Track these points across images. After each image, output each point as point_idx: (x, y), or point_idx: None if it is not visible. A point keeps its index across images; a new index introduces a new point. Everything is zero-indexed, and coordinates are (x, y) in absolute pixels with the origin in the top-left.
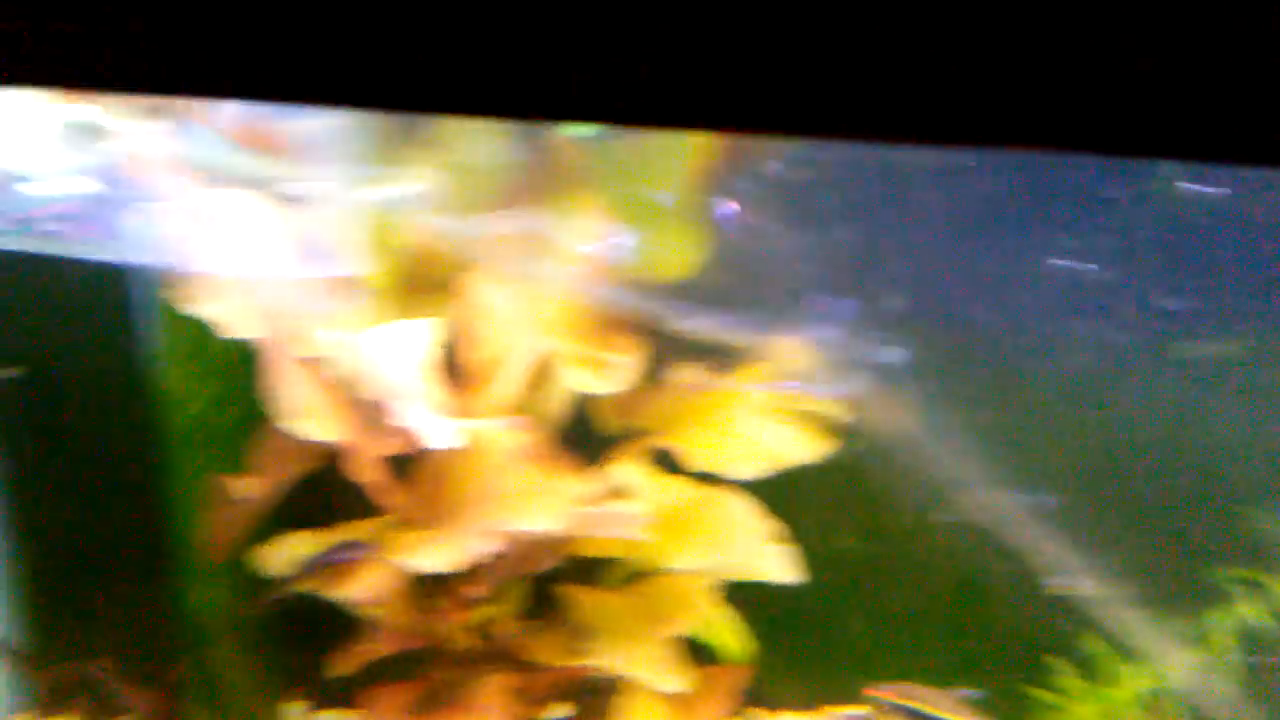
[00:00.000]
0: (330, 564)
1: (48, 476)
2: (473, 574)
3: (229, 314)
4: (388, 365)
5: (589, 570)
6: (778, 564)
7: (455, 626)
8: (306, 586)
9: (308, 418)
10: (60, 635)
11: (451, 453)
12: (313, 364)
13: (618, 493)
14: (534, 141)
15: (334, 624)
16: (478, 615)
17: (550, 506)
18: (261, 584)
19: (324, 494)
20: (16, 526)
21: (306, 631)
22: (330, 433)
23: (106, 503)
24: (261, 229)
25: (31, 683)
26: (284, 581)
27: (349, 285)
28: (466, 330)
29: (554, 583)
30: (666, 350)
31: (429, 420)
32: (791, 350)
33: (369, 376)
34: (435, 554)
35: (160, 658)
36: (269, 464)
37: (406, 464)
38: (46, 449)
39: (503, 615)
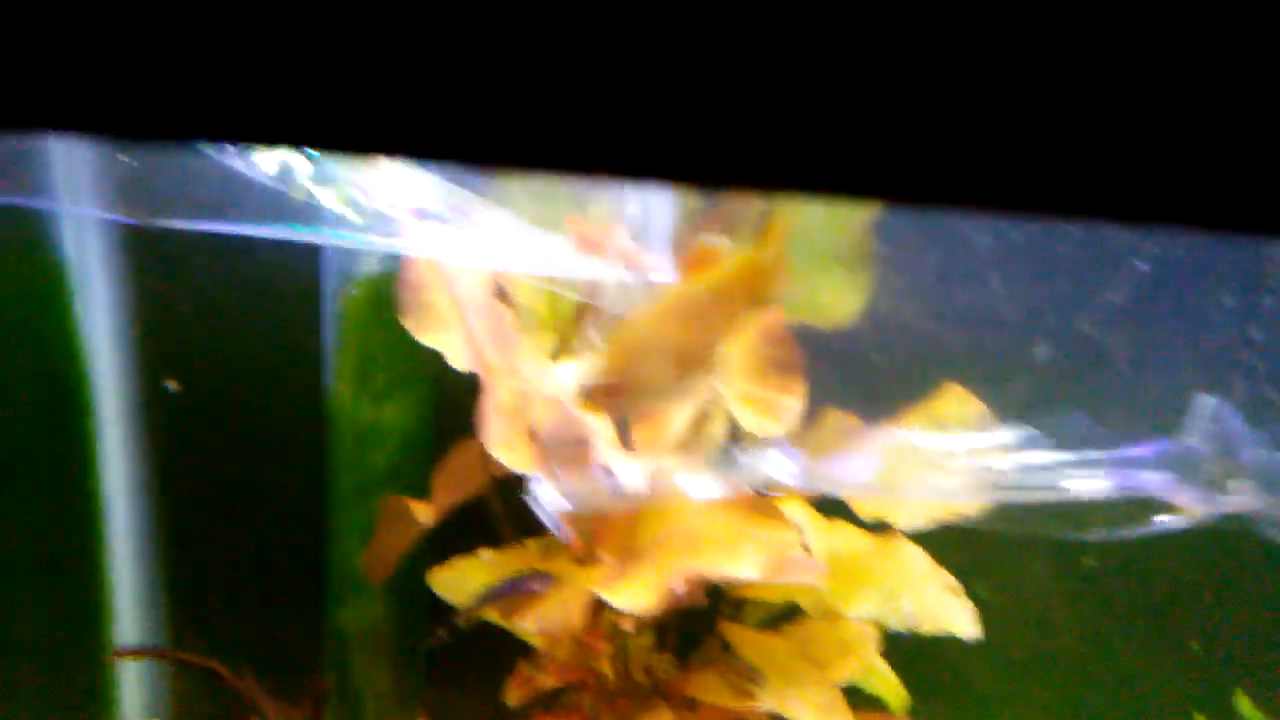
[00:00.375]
0: (511, 594)
1: (202, 480)
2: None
3: (450, 342)
4: (574, 400)
5: (740, 607)
6: (961, 617)
7: (619, 661)
8: (481, 615)
9: (505, 446)
10: (202, 644)
11: (637, 490)
12: (515, 393)
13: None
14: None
15: (486, 650)
16: (636, 650)
17: (753, 552)
18: (419, 606)
19: (489, 520)
20: (165, 531)
21: (457, 656)
22: (523, 463)
23: (262, 512)
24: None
25: (168, 689)
26: (463, 610)
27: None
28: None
29: (707, 620)
30: (826, 394)
31: (617, 456)
32: (957, 398)
33: (558, 410)
34: (636, 594)
35: (305, 673)
36: (446, 486)
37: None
38: (204, 452)
39: (660, 652)
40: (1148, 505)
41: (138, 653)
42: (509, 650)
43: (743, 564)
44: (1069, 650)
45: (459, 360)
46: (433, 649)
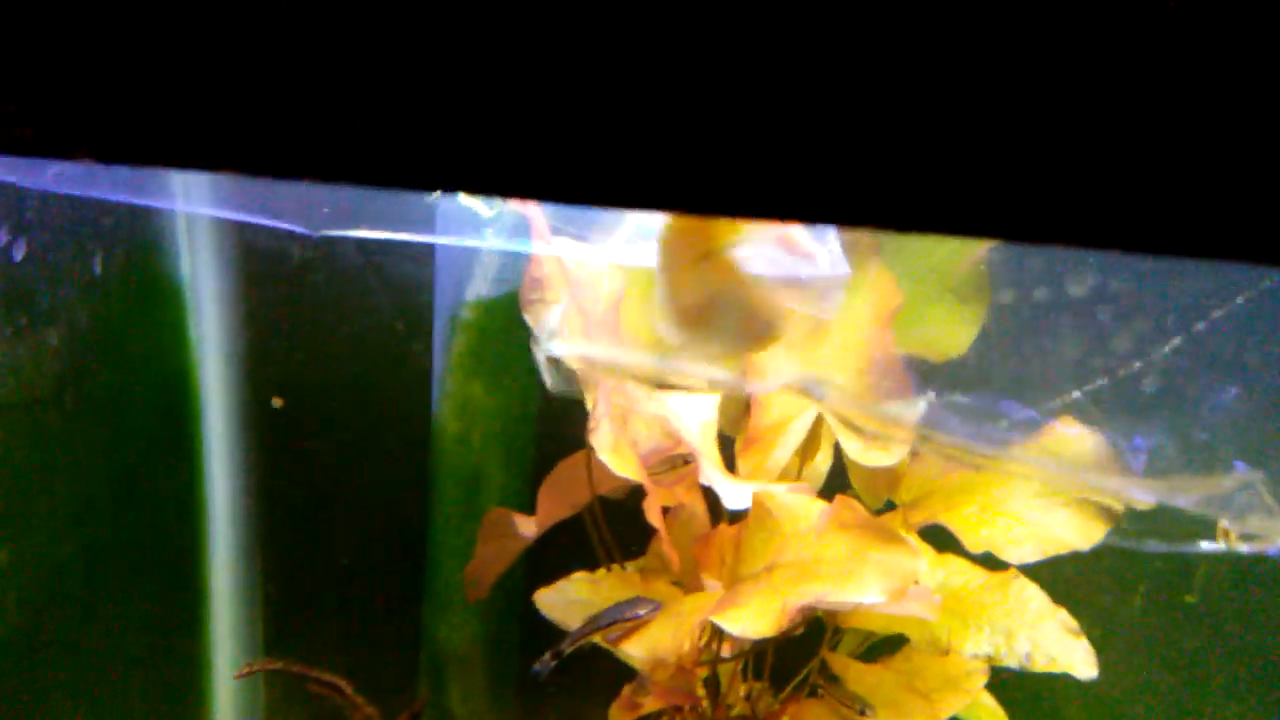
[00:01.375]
0: (619, 621)
1: (303, 494)
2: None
3: (575, 351)
4: (685, 418)
5: (836, 635)
6: (1079, 657)
7: (711, 687)
8: (590, 640)
9: (615, 453)
10: (296, 657)
11: (747, 514)
12: (624, 406)
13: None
14: None
15: (573, 672)
16: (729, 677)
17: (877, 579)
18: (514, 625)
19: (584, 540)
20: (265, 543)
21: (557, 672)
22: (631, 472)
23: (363, 527)
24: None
25: (259, 699)
26: (570, 636)
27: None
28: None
29: (801, 648)
30: (934, 425)
31: (722, 479)
32: (1067, 436)
33: (670, 427)
34: (752, 620)
35: (400, 690)
36: (551, 499)
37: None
38: (306, 467)
39: (755, 680)
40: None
41: (260, 667)
42: (595, 672)
43: (865, 589)
44: (1167, 690)
45: (576, 363)
46: (533, 678)
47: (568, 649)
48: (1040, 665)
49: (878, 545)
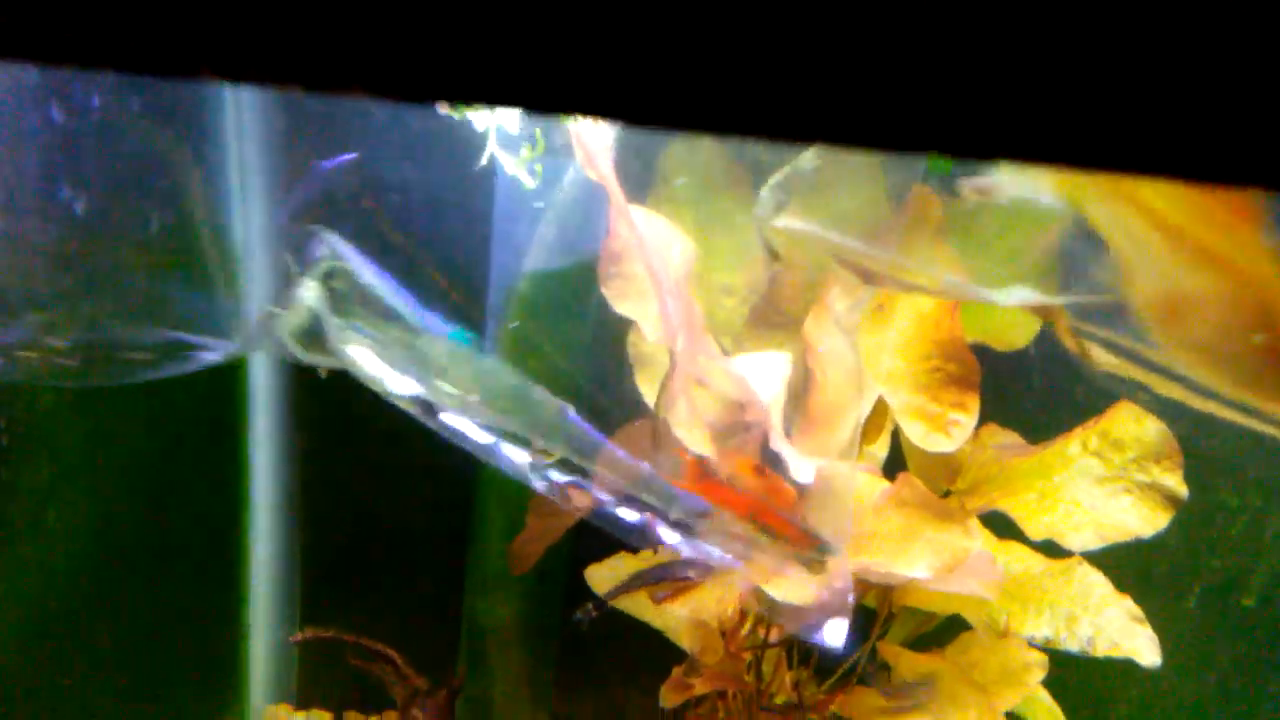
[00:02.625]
0: (665, 580)
1: (346, 464)
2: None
3: (647, 313)
4: (757, 386)
5: (888, 623)
6: (1144, 645)
7: (752, 673)
8: (625, 602)
9: (687, 426)
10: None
11: (805, 484)
12: (698, 380)
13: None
14: (897, 188)
15: (613, 654)
16: (774, 662)
17: (928, 555)
18: (555, 603)
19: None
20: (304, 515)
21: (585, 658)
22: (701, 445)
23: (404, 500)
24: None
25: (294, 672)
26: (614, 589)
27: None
28: (811, 373)
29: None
30: (995, 411)
31: (792, 451)
32: (1133, 418)
33: (738, 402)
34: (794, 587)
35: (439, 665)
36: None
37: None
38: (347, 439)
39: (801, 666)
40: None
41: (313, 635)
42: (636, 656)
43: (913, 564)
44: (1219, 693)
45: (653, 332)
46: (575, 632)
47: (611, 600)
48: (1102, 650)
49: (932, 522)
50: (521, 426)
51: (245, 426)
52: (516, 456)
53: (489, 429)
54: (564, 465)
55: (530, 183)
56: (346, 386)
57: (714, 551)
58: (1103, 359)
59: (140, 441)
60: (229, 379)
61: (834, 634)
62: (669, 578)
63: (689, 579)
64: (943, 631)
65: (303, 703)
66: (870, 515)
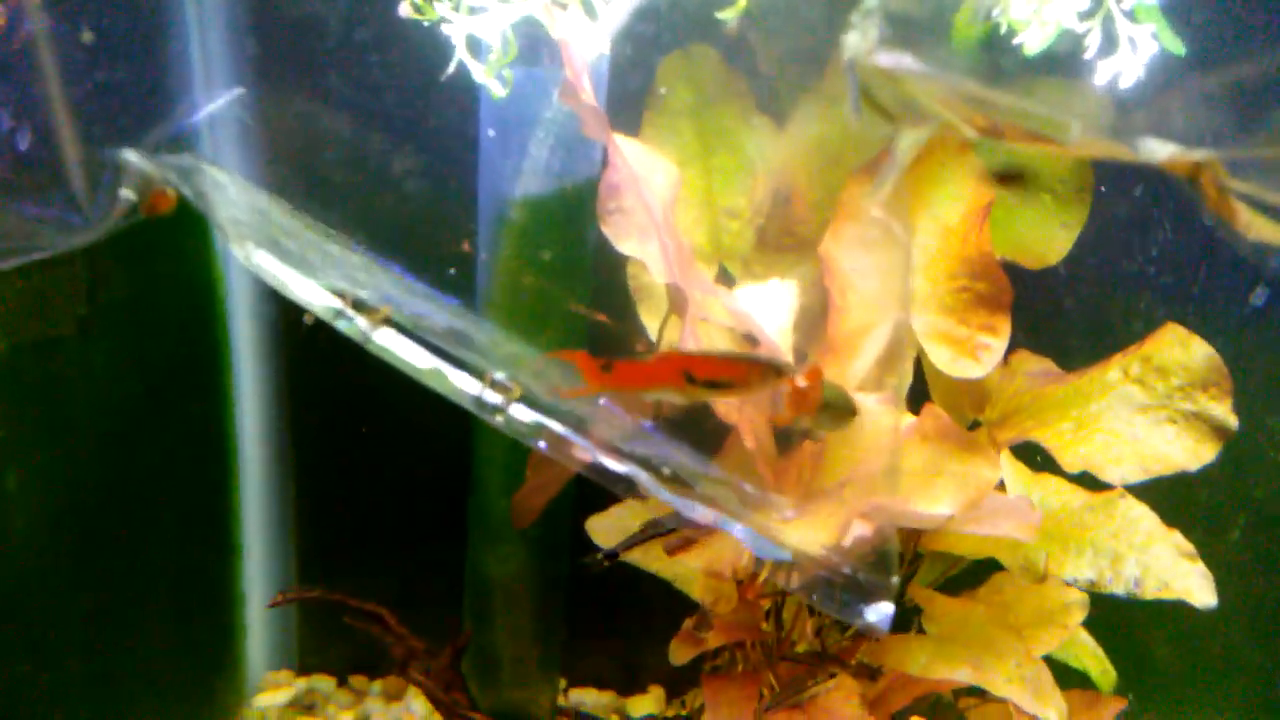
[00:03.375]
0: (672, 529)
1: (340, 413)
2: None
3: (649, 251)
4: (761, 319)
5: (915, 565)
6: (1197, 584)
7: (772, 621)
8: (634, 552)
9: None
10: (334, 588)
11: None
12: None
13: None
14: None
15: (626, 610)
16: (795, 609)
17: (950, 491)
18: (562, 557)
19: None
20: (297, 470)
21: (596, 615)
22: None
23: (401, 451)
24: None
25: (294, 638)
26: (625, 539)
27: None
28: (829, 297)
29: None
30: (1026, 335)
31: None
32: (1178, 341)
33: (745, 336)
34: (811, 532)
35: (443, 623)
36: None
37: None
38: (342, 383)
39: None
40: None
41: (296, 597)
42: (651, 607)
43: (936, 502)
44: (1262, 630)
45: (658, 272)
46: (585, 583)
47: (623, 551)
48: (1151, 592)
49: (956, 456)
50: (467, 352)
51: (229, 378)
52: (467, 386)
53: (435, 351)
54: (528, 403)
55: (500, 91)
56: (334, 335)
57: (706, 512)
58: (1256, 225)
59: (110, 395)
60: (206, 326)
61: (879, 615)
62: (682, 526)
63: (702, 528)
64: (974, 570)
65: (305, 668)
66: (888, 451)
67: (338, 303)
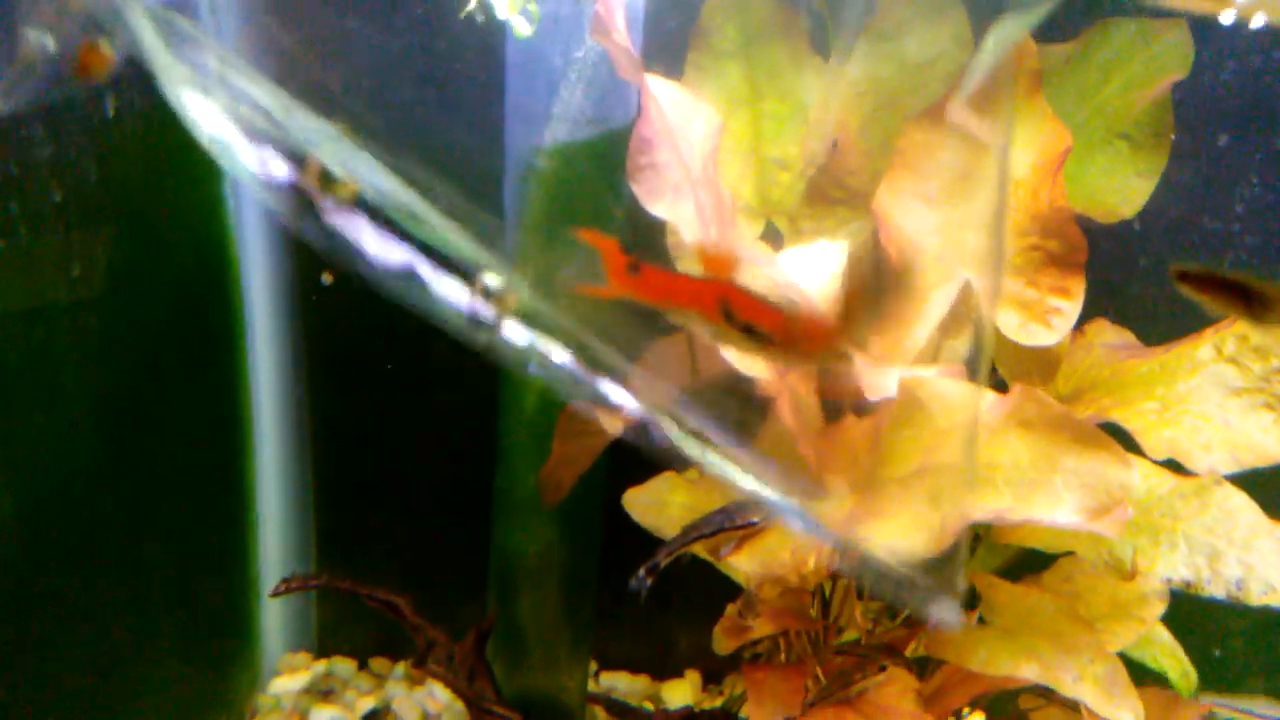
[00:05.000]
0: (720, 529)
1: (359, 383)
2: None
3: (682, 213)
4: (806, 283)
5: (973, 550)
6: None
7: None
8: (692, 550)
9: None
10: (351, 571)
11: (887, 405)
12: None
13: None
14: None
15: (667, 585)
16: (842, 596)
17: (1074, 494)
18: (592, 533)
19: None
20: (315, 446)
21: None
22: (753, 364)
23: (423, 426)
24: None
25: (312, 620)
26: (667, 546)
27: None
28: (885, 256)
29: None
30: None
31: (862, 360)
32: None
33: (787, 297)
34: (900, 536)
35: (467, 602)
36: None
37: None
38: (361, 351)
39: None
40: None
41: (301, 586)
42: (685, 589)
43: (1055, 506)
44: None
45: (692, 236)
46: (630, 597)
47: (665, 561)
48: (1256, 596)
49: (1073, 449)
50: (454, 246)
51: (242, 345)
52: (452, 294)
53: (407, 245)
54: (527, 320)
55: (525, 28)
56: (354, 292)
57: (764, 492)
58: None
59: (107, 361)
60: (216, 289)
61: (947, 611)
62: (731, 526)
63: (751, 525)
64: (1036, 552)
65: (323, 650)
66: (985, 440)
67: (293, 174)
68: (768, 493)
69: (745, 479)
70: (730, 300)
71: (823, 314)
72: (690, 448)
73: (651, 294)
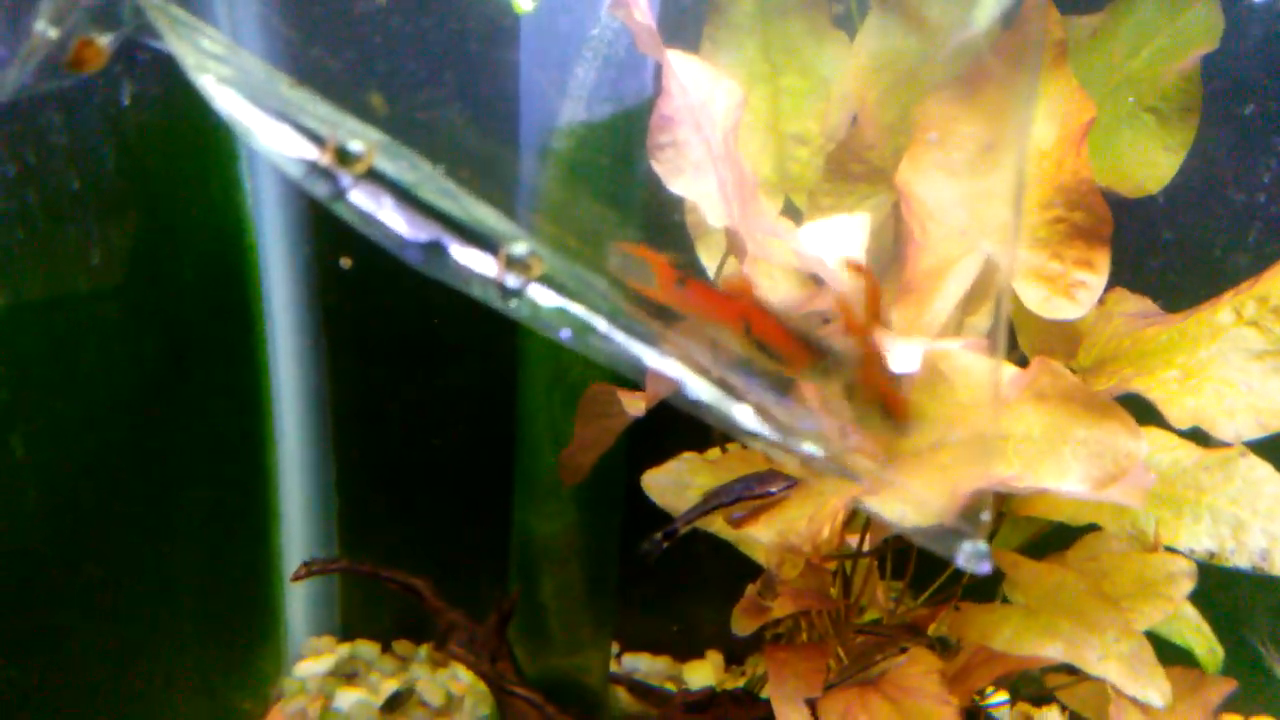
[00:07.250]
0: (743, 499)
1: (379, 366)
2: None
3: (704, 190)
4: (828, 259)
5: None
6: None
7: (838, 586)
8: (703, 523)
9: None
10: (374, 554)
11: (911, 378)
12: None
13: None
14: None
15: (678, 569)
16: (863, 574)
17: (1082, 463)
18: (613, 516)
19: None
20: (338, 422)
21: (647, 574)
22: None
23: (444, 409)
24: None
25: (336, 603)
26: (683, 515)
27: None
28: (906, 230)
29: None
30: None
31: (884, 333)
32: None
33: (809, 273)
34: (914, 505)
35: (488, 584)
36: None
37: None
38: (381, 334)
39: (891, 579)
40: None
41: (322, 569)
42: (706, 570)
43: (1064, 474)
44: None
45: (714, 214)
46: (639, 558)
47: (683, 527)
48: None
49: (1084, 419)
50: (474, 217)
51: (261, 331)
52: (476, 264)
53: (430, 220)
54: (551, 285)
55: (528, 4)
56: (373, 276)
57: (803, 445)
58: None
59: (128, 349)
60: (235, 275)
61: (973, 559)
62: (749, 495)
63: (770, 495)
64: (1060, 529)
65: (347, 633)
66: (999, 412)
67: (313, 152)
68: (803, 445)
69: (775, 432)
70: (751, 319)
71: (839, 295)
72: (724, 405)
73: (693, 306)
